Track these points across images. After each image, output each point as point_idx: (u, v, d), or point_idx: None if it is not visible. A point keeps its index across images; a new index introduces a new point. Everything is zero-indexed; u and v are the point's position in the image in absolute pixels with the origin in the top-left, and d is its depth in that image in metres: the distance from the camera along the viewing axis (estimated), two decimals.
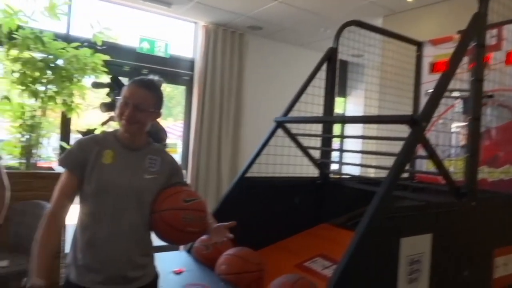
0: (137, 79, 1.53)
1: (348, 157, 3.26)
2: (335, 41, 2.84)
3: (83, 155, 1.47)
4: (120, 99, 1.49)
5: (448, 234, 1.88)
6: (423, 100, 3.14)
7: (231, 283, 1.79)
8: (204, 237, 2.15)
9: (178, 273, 1.87)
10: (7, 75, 3.59)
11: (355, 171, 3.42)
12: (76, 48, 3.74)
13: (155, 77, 1.57)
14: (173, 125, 5.52)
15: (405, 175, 3.09)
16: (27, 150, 3.71)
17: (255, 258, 1.91)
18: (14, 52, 3.55)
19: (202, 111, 4.70)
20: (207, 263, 2.02)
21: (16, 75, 3.53)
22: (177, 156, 5.02)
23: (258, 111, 5.03)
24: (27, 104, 3.68)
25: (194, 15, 4.63)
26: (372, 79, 3.95)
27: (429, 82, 3.17)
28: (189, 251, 2.16)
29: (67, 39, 3.91)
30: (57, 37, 3.77)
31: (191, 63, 4.88)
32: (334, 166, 3.79)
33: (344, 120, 2.62)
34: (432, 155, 1.82)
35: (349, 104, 6.32)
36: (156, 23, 4.67)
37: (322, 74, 2.80)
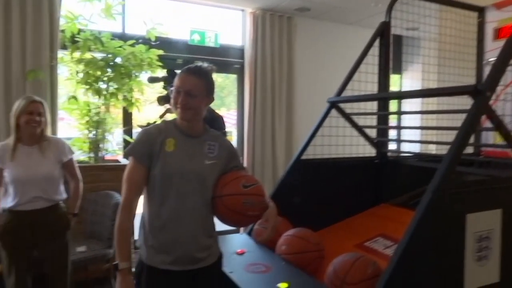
0: (186, 68, 1.59)
1: (406, 135, 3.15)
2: (387, 14, 2.73)
3: (149, 145, 1.55)
4: (173, 89, 1.57)
5: None
6: (487, 71, 2.94)
7: (291, 263, 1.83)
8: (263, 219, 2.21)
9: (240, 254, 1.94)
10: (72, 77, 3.87)
11: (414, 148, 3.30)
12: (132, 45, 3.92)
13: (204, 64, 1.62)
14: (227, 113, 5.63)
15: (470, 150, 2.92)
16: (95, 145, 3.98)
17: (315, 238, 1.92)
18: (76, 55, 3.80)
19: (255, 98, 4.74)
20: (267, 244, 2.06)
21: (80, 75, 3.79)
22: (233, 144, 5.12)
23: (311, 93, 4.98)
24: (92, 102, 3.94)
25: (241, 2, 4.65)
26: (430, 52, 3.75)
27: (493, 50, 2.95)
28: (249, 233, 2.23)
29: (123, 37, 4.10)
30: (113, 36, 3.97)
31: (241, 51, 4.92)
32: (391, 145, 3.68)
33: (401, 95, 2.52)
34: (499, 126, 1.71)
35: (405, 81, 6.05)
36: (205, 14, 4.75)
37: (375, 51, 2.71)
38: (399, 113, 2.50)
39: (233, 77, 5.16)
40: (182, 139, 1.59)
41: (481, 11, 3.16)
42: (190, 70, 1.57)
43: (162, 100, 3.66)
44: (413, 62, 5.84)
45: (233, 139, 4.96)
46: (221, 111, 7.21)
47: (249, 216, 1.56)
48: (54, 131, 3.68)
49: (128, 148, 1.59)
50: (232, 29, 4.95)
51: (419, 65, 5.56)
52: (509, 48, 1.72)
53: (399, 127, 2.61)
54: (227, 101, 6.81)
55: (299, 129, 4.89)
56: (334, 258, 1.70)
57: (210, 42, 4.56)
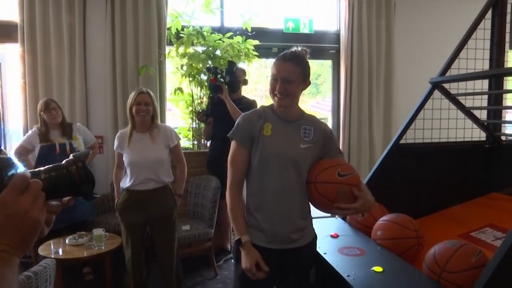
0: (281, 55, 1.63)
1: None
2: None
3: (250, 129, 1.63)
4: (269, 77, 1.62)
5: None
6: None
7: (387, 249, 1.78)
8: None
9: (334, 237, 1.94)
10: (177, 70, 4.20)
11: None
12: (230, 37, 4.11)
13: (298, 48, 1.64)
14: (322, 101, 5.58)
15: None
16: (198, 133, 4.28)
17: (413, 225, 1.84)
18: (181, 50, 4.12)
19: (351, 83, 4.60)
20: (362, 229, 2.03)
21: (185, 68, 4.09)
22: None
23: (411, 76, 4.67)
24: (195, 93, 4.23)
25: None
26: None
27: None
28: (344, 218, 2.21)
29: (221, 30, 4.31)
30: (213, 30, 4.20)
31: (336, 36, 4.81)
32: (507, 129, 3.30)
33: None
34: None
35: None
36: (298, 2, 4.74)
37: (486, 24, 2.45)
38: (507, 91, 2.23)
39: (328, 64, 5.08)
40: (279, 124, 1.65)
41: None
42: (286, 57, 1.61)
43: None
44: None
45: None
46: (316, 99, 7.17)
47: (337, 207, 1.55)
48: (163, 121, 4.05)
49: (231, 132, 1.68)
50: (327, 15, 4.87)
51: None
52: None
53: (502, 107, 2.32)
54: (322, 89, 6.73)
55: (398, 114, 4.64)
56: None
57: (304, 29, 4.55)
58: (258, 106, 2.23)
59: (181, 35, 4.05)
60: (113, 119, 4.10)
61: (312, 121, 1.72)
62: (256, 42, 4.19)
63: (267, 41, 4.59)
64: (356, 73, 4.59)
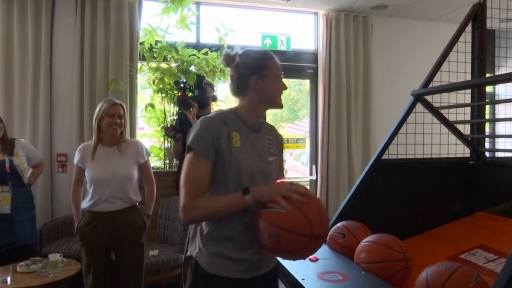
0: (270, 52, 1.47)
1: (505, 132, 2.72)
2: None
3: (215, 137, 1.34)
4: (272, 77, 1.42)
5: None
6: None
7: (372, 273, 1.59)
8: (339, 224, 2.00)
9: (313, 260, 1.75)
10: (149, 85, 4.01)
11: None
12: (205, 53, 3.97)
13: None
14: (299, 121, 5.48)
15: None
16: (170, 153, 4.07)
17: (399, 247, 1.66)
18: (153, 64, 3.95)
19: (329, 103, 4.52)
20: (344, 252, 1.85)
21: (157, 83, 3.91)
22: (306, 152, 4.94)
23: (389, 96, 4.64)
24: (167, 110, 4.04)
25: (313, 4, 4.51)
26: None
27: None
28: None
29: (197, 47, 4.18)
30: (188, 46, 4.06)
31: (314, 56, 4.76)
32: (489, 143, 3.22)
33: (499, 79, 2.16)
34: None
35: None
36: (276, 19, 4.68)
37: (467, 38, 2.39)
38: (497, 102, 2.14)
39: (306, 89, 4.99)
40: (246, 133, 1.42)
41: None
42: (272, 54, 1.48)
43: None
44: (509, 57, 5.21)
45: (306, 147, 4.78)
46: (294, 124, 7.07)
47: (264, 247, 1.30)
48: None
49: (191, 141, 1.35)
50: (305, 34, 4.82)
51: None
52: None
53: (499, 120, 2.23)
54: (300, 114, 6.65)
55: (376, 135, 4.56)
56: (423, 270, 1.44)
57: (282, 46, 4.47)
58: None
59: (154, 49, 3.90)
60: (78, 135, 3.84)
61: (270, 129, 1.56)
62: None
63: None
64: (334, 92, 4.52)
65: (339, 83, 4.53)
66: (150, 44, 3.89)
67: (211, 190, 1.36)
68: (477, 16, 2.33)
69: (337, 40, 4.58)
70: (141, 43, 3.99)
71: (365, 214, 2.05)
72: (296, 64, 4.68)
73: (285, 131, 5.94)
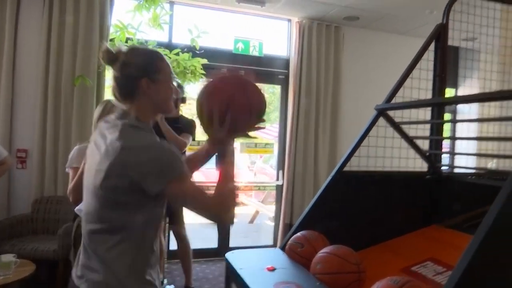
0: (157, 51, 1.35)
1: (462, 149, 2.85)
2: (445, 16, 2.49)
3: None
4: (165, 81, 1.30)
5: None
6: None
7: (326, 284, 1.63)
8: (298, 234, 2.03)
9: (270, 270, 1.77)
10: None
11: (472, 164, 2.97)
12: (177, 54, 3.93)
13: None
14: (270, 126, 5.51)
15: None
16: None
17: (355, 258, 1.71)
18: None
19: (298, 110, 4.58)
20: (302, 262, 1.88)
21: None
22: (274, 156, 4.98)
23: (357, 106, 4.74)
24: None
25: (287, 11, 4.55)
26: (489, 65, 3.42)
27: None
28: (283, 248, 2.05)
29: (169, 47, 4.13)
30: (160, 45, 4.01)
31: (286, 62, 4.81)
32: (446, 159, 3.36)
33: (458, 100, 2.27)
34: None
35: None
36: (250, 23, 4.70)
37: (430, 56, 2.48)
38: (454, 121, 2.23)
39: (279, 92, 5.04)
40: None
41: None
42: None
43: None
44: (470, 77, 5.44)
45: (274, 152, 4.81)
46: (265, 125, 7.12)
47: None
48: None
49: (182, 171, 1.20)
50: (277, 39, 4.86)
51: (477, 80, 5.16)
52: None
53: (455, 138, 2.34)
54: (272, 117, 6.70)
55: (343, 142, 4.66)
56: (376, 282, 1.48)
57: (254, 51, 4.49)
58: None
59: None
60: (41, 131, 3.72)
61: None
62: (204, 61, 4.05)
63: (216, 61, 4.46)
64: (304, 100, 4.58)
65: (309, 90, 4.60)
66: (121, 42, 3.82)
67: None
68: (439, 36, 2.42)
69: (309, 48, 4.65)
70: (111, 40, 3.91)
71: (325, 225, 2.09)
72: (267, 69, 4.71)
73: (255, 134, 5.96)
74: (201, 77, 4.08)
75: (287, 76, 4.77)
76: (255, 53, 4.50)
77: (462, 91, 5.72)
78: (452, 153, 2.40)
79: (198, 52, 4.09)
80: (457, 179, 2.38)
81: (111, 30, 3.95)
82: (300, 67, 4.61)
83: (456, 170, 2.64)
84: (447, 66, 2.39)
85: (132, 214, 1.21)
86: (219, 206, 1.23)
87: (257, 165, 8.89)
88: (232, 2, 4.23)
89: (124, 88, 1.28)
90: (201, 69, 4.03)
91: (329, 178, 2.19)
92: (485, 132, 3.21)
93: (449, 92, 5.69)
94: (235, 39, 4.46)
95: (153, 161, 1.17)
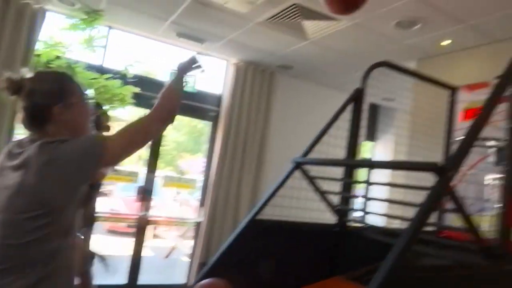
0: (65, 73, 1.38)
1: (373, 206, 3.04)
2: (363, 82, 2.73)
3: None
4: (79, 104, 1.28)
5: None
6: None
7: None
8: (203, 282, 2.01)
9: None
10: None
11: (379, 220, 3.18)
12: (108, 79, 3.84)
13: None
14: (195, 160, 5.50)
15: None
16: None
17: None
18: None
19: (225, 148, 4.63)
20: None
21: None
22: (195, 192, 4.94)
23: (283, 151, 4.88)
24: None
25: (226, 52, 4.68)
26: (403, 124, 3.77)
27: (461, 130, 2.96)
28: None
29: (101, 70, 4.02)
30: (91, 68, 3.89)
31: (218, 99, 4.89)
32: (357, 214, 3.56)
33: (363, 164, 2.47)
34: (459, 208, 1.62)
35: (378, 149, 6.09)
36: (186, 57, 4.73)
37: (348, 116, 2.67)
38: (357, 182, 2.44)
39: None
40: None
41: (453, 90, 3.21)
42: None
43: None
44: (387, 132, 5.93)
45: (195, 187, 4.78)
46: (190, 157, 7.07)
47: None
48: None
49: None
50: (213, 76, 4.95)
51: (392, 135, 5.64)
52: (474, 130, 1.68)
53: (354, 196, 2.53)
54: (204, 148, 6.69)
55: (266, 185, 4.76)
56: None
57: (187, 87, 4.51)
58: None
59: (50, 65, 3.65)
60: None
61: None
62: (136, 89, 4.00)
63: (149, 91, 4.42)
64: (232, 139, 4.66)
65: (238, 130, 4.69)
66: (48, 59, 3.65)
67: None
68: (357, 100, 2.63)
69: (243, 90, 4.78)
70: (38, 55, 3.72)
71: (234, 272, 2.10)
72: (199, 105, 4.75)
73: (179, 169, 5.89)
74: (129, 104, 4.01)
75: (218, 114, 4.83)
76: (188, 89, 4.52)
77: (380, 144, 6.19)
78: (357, 210, 2.57)
79: (131, 80, 4.03)
80: (360, 234, 2.53)
81: (40, 46, 3.76)
82: (232, 106, 4.71)
83: (361, 225, 2.79)
84: (359, 127, 2.58)
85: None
86: (159, 118, 1.34)
87: (182, 196, 8.74)
88: (172, 35, 4.27)
89: (34, 118, 1.20)
90: (132, 97, 3.97)
91: (242, 225, 2.21)
92: (394, 192, 3.46)
93: (368, 145, 6.13)
94: (171, 72, 4.46)
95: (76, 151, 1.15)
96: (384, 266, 1.40)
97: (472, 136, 1.67)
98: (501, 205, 1.77)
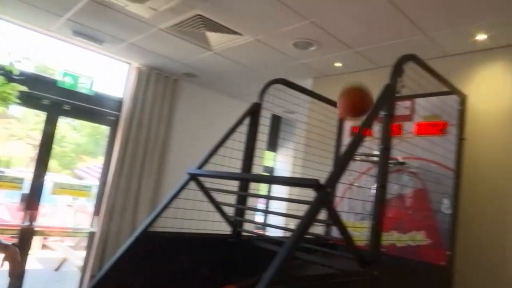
0: None
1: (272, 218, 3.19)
2: (260, 97, 2.85)
3: None
4: None
5: None
6: None
7: None
8: None
9: None
10: None
11: (276, 231, 3.34)
12: None
13: None
14: (93, 166, 5.19)
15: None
16: None
17: None
18: None
19: (124, 154, 4.45)
20: None
21: None
22: (90, 200, 4.65)
23: (184, 159, 4.86)
24: None
25: (127, 55, 4.51)
26: (300, 137, 4.01)
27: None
28: None
29: None
30: None
31: (119, 103, 4.68)
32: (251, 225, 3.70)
33: (251, 178, 2.58)
34: (336, 221, 1.77)
35: (279, 159, 6.37)
36: (84, 57, 4.47)
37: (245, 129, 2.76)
38: (248, 194, 2.55)
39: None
40: None
41: None
42: None
43: None
44: (288, 142, 6.24)
45: (91, 195, 4.51)
46: (87, 162, 6.65)
47: None
48: None
49: None
50: (113, 79, 4.73)
51: (292, 147, 5.96)
52: (351, 149, 1.85)
53: (247, 208, 2.63)
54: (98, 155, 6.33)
55: (167, 194, 4.67)
56: None
57: (83, 88, 4.25)
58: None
59: None
60: None
61: None
62: (23, 88, 3.65)
63: (38, 90, 4.07)
64: (131, 146, 4.49)
65: (139, 137, 4.54)
66: None
67: None
68: (254, 113, 2.73)
69: (145, 95, 4.65)
70: None
71: (124, 286, 2.03)
72: (97, 108, 4.50)
73: (74, 173, 5.49)
74: (13, 104, 3.66)
75: (118, 118, 4.63)
76: (84, 90, 4.26)
77: (281, 154, 6.48)
78: (248, 221, 2.66)
79: (16, 77, 3.67)
80: (253, 244, 2.62)
81: None
82: (133, 111, 4.55)
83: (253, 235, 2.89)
84: (255, 141, 2.68)
85: None
86: None
87: (78, 203, 8.13)
88: (67, 33, 3.98)
89: None
90: (18, 96, 3.62)
91: (132, 238, 2.15)
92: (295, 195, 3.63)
93: (270, 155, 6.38)
94: (64, 72, 4.16)
95: None
96: (266, 275, 1.47)
97: (348, 155, 1.84)
98: (373, 215, 1.98)
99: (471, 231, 2.90)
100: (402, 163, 2.89)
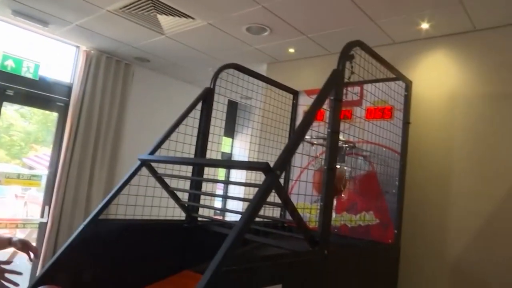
0: None
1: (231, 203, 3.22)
2: (212, 81, 2.83)
3: None
4: None
5: (299, 284, 1.87)
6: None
7: None
8: None
9: None
10: None
11: (234, 215, 3.37)
12: None
13: None
14: (42, 154, 4.95)
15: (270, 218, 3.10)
16: None
17: None
18: None
19: (74, 141, 4.29)
20: None
21: None
22: (41, 190, 4.47)
23: (139, 146, 4.75)
24: None
25: (75, 38, 4.32)
26: (256, 123, 4.04)
27: None
28: None
29: None
30: None
31: (68, 89, 4.49)
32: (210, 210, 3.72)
33: (204, 163, 2.58)
34: (285, 202, 1.82)
35: (236, 144, 6.40)
36: (28, 40, 4.22)
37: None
38: (200, 179, 2.54)
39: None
40: None
41: (295, 94, 3.57)
42: None
43: None
44: (245, 128, 6.27)
45: (41, 185, 4.34)
46: (38, 151, 6.36)
47: None
48: None
49: None
50: (61, 63, 4.51)
51: (249, 131, 5.99)
52: (299, 133, 1.90)
53: (202, 193, 2.63)
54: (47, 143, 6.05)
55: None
56: None
57: (27, 73, 4.03)
58: None
59: None
60: None
61: None
62: None
63: None
64: (82, 132, 4.34)
65: (90, 123, 4.39)
66: None
67: None
68: (206, 98, 2.72)
69: (95, 80, 4.49)
70: None
71: (74, 276, 1.99)
72: (44, 94, 4.29)
73: (24, 162, 5.22)
74: None
75: (67, 104, 4.44)
76: (29, 75, 4.03)
77: (239, 139, 6.51)
78: (202, 206, 2.67)
79: None
80: (208, 228, 2.65)
81: None
82: (82, 97, 4.38)
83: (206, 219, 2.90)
84: (209, 126, 2.68)
85: None
86: None
87: (29, 193, 7.77)
88: (6, 13, 3.74)
89: None
90: None
91: (81, 227, 2.10)
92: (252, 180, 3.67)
93: (227, 140, 6.39)
94: (4, 55, 3.91)
95: None
96: (215, 258, 1.49)
97: (297, 139, 1.88)
98: (322, 197, 2.05)
99: (415, 210, 3.08)
100: (353, 147, 3.00)
